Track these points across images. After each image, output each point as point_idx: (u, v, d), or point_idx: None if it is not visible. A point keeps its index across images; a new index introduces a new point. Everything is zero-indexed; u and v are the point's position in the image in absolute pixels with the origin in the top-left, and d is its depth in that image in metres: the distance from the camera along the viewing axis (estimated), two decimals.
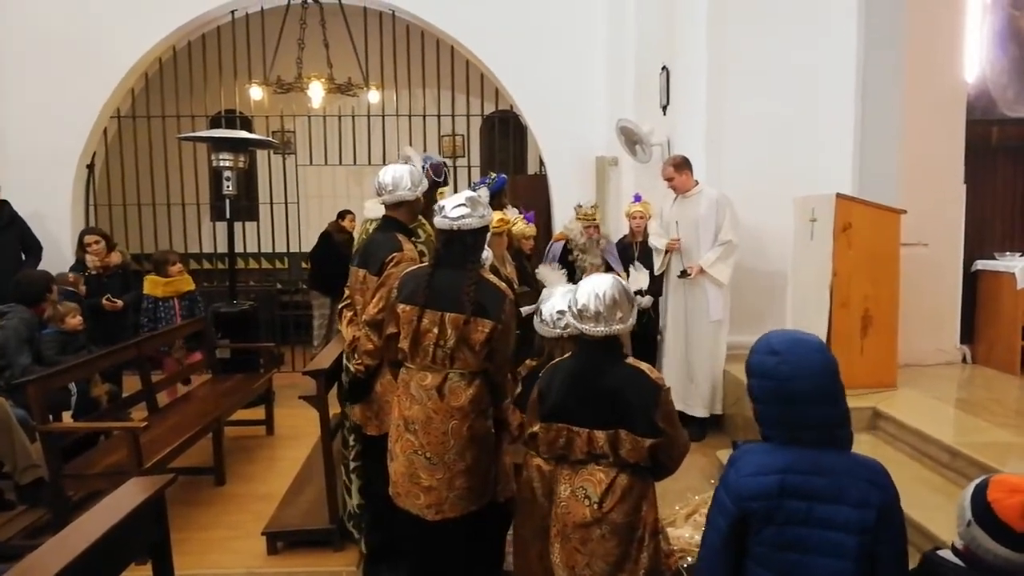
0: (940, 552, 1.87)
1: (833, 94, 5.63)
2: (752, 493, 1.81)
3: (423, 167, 3.73)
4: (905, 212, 4.84)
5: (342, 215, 8.50)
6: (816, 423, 1.84)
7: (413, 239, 3.52)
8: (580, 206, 5.92)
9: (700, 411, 5.45)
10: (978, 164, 5.65)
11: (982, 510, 1.73)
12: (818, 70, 5.62)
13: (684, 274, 5.37)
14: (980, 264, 5.66)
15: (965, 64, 5.63)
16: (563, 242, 5.90)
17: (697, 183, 5.45)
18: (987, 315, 5.58)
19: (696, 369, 5.47)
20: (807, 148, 5.51)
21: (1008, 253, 5.62)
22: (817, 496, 1.79)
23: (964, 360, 5.62)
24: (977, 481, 1.82)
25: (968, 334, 5.65)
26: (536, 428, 2.58)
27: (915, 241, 5.15)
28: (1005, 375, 5.24)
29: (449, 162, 4.26)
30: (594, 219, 5.81)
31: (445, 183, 3.99)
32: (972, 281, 5.66)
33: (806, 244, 5.18)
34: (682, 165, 5.45)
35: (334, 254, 8.23)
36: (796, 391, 1.82)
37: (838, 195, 4.86)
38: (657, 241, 5.62)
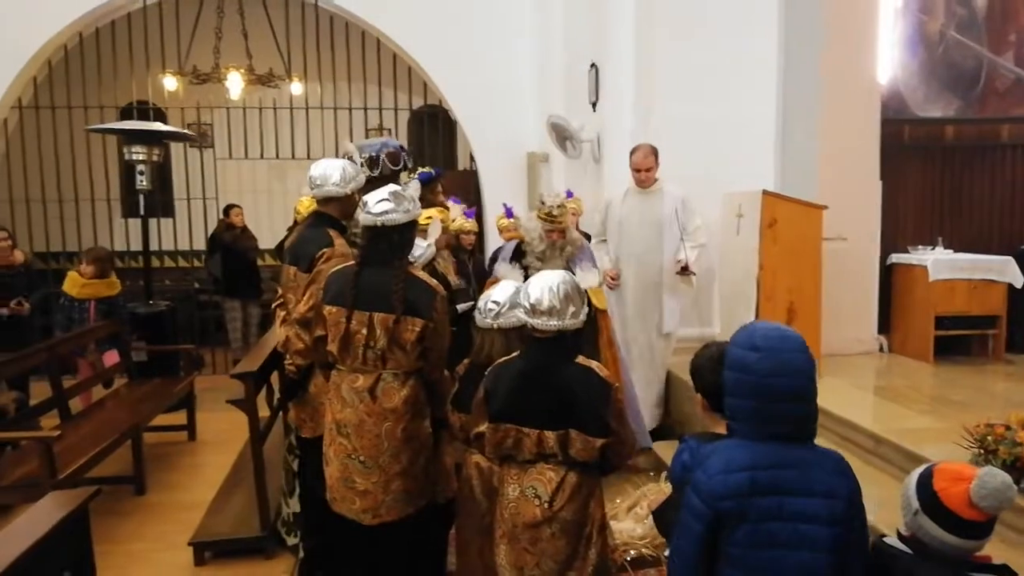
0: (887, 540, 1.91)
1: (756, 94, 5.78)
2: (723, 492, 1.78)
3: (378, 155, 3.62)
4: (827, 208, 5.01)
5: (226, 211, 8.12)
6: (791, 419, 1.83)
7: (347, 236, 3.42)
8: (543, 203, 4.57)
9: (648, 422, 5.18)
10: (892, 162, 5.90)
11: (929, 499, 1.76)
12: (742, 71, 5.75)
13: (685, 271, 4.95)
14: (895, 257, 5.92)
15: (878, 66, 5.87)
16: (516, 242, 4.78)
17: (656, 179, 5.14)
18: (902, 306, 5.84)
19: (651, 381, 5.24)
20: (733, 146, 5.62)
21: (920, 247, 5.90)
22: (787, 490, 1.78)
23: (881, 349, 5.86)
24: (920, 471, 1.85)
25: (884, 324, 5.90)
26: (483, 428, 2.53)
27: (835, 235, 5.34)
28: (919, 363, 5.49)
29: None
30: (559, 222, 4.47)
31: (405, 169, 3.84)
32: (887, 274, 5.92)
33: (733, 239, 5.30)
34: (658, 155, 5.09)
35: (228, 254, 7.94)
36: (776, 388, 1.80)
37: (764, 192, 4.98)
38: (601, 260, 5.13)
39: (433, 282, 2.97)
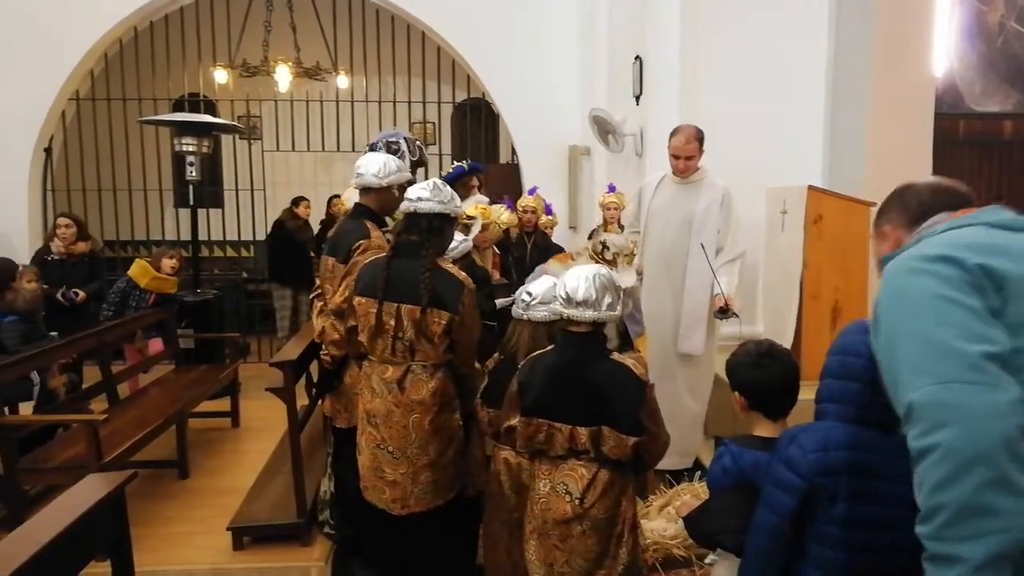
0: None
1: (805, 86, 5.64)
2: (821, 468, 1.80)
3: (377, 143, 3.68)
4: (875, 204, 4.86)
5: (296, 202, 8.30)
6: (891, 406, 1.85)
7: (385, 230, 3.46)
8: (606, 246, 3.63)
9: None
10: (945, 157, 5.72)
11: None
12: (790, 62, 5.63)
13: (724, 312, 4.14)
14: None
15: (934, 58, 5.69)
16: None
17: (699, 168, 4.40)
18: None
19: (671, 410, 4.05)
20: (779, 140, 5.50)
21: None
22: (876, 473, 1.80)
23: None
24: None
25: None
26: (515, 422, 2.53)
27: None
28: None
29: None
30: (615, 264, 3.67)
31: (410, 161, 3.86)
32: None
33: (777, 236, 5.19)
34: (703, 142, 4.32)
35: (288, 243, 8.07)
36: None
37: (810, 187, 4.87)
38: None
39: (461, 275, 2.96)
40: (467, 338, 2.95)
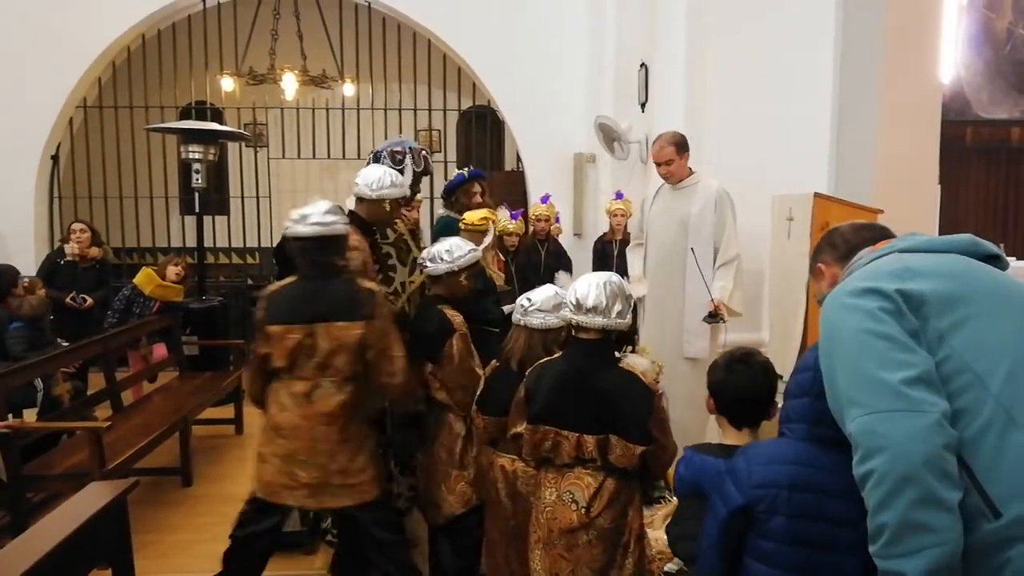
0: None
1: (811, 93, 5.62)
2: (759, 481, 1.78)
3: (381, 152, 3.69)
4: (882, 212, 4.84)
5: None
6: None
7: (377, 238, 3.48)
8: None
9: None
10: (952, 165, 5.69)
11: None
12: (796, 68, 5.60)
13: (714, 316, 4.19)
14: None
15: (941, 65, 5.67)
16: None
17: (692, 172, 4.46)
18: None
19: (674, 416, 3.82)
20: (785, 147, 5.48)
21: None
22: (826, 491, 1.75)
23: None
24: None
25: None
26: (521, 429, 2.51)
27: None
28: None
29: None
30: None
31: (415, 172, 3.88)
32: None
33: (783, 243, 5.17)
34: (683, 146, 4.33)
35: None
36: None
37: (816, 194, 4.85)
38: (632, 265, 4.70)
39: (369, 284, 3.06)
40: (384, 344, 2.98)
